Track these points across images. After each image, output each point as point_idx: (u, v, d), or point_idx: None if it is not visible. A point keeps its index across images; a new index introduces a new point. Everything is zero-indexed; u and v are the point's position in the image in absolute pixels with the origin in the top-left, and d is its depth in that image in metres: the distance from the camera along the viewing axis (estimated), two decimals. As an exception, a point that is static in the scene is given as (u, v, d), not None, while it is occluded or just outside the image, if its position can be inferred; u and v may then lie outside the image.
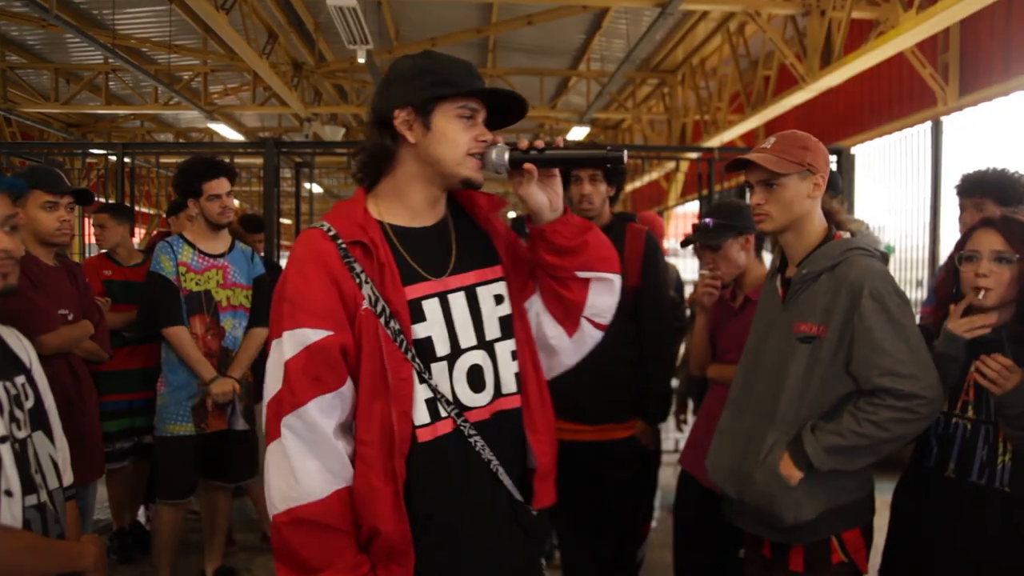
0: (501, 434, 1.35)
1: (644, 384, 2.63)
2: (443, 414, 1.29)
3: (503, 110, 1.39)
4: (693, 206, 10.70)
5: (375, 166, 1.37)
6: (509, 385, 1.38)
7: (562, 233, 1.37)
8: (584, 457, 2.67)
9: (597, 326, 1.49)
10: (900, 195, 6.51)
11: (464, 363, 1.33)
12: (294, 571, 1.24)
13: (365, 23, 5.53)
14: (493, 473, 1.33)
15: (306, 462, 1.22)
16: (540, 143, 1.34)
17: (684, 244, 2.60)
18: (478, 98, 1.34)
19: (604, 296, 1.46)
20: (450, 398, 1.30)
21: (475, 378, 1.34)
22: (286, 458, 1.22)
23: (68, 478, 1.55)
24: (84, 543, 1.49)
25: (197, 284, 2.96)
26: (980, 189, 2.53)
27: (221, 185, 2.98)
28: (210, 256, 3.02)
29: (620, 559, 2.82)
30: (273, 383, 1.25)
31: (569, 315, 1.45)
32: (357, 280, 1.27)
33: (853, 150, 6.95)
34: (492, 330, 1.37)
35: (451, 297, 1.35)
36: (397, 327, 1.26)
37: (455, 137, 1.31)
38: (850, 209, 6.87)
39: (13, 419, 1.39)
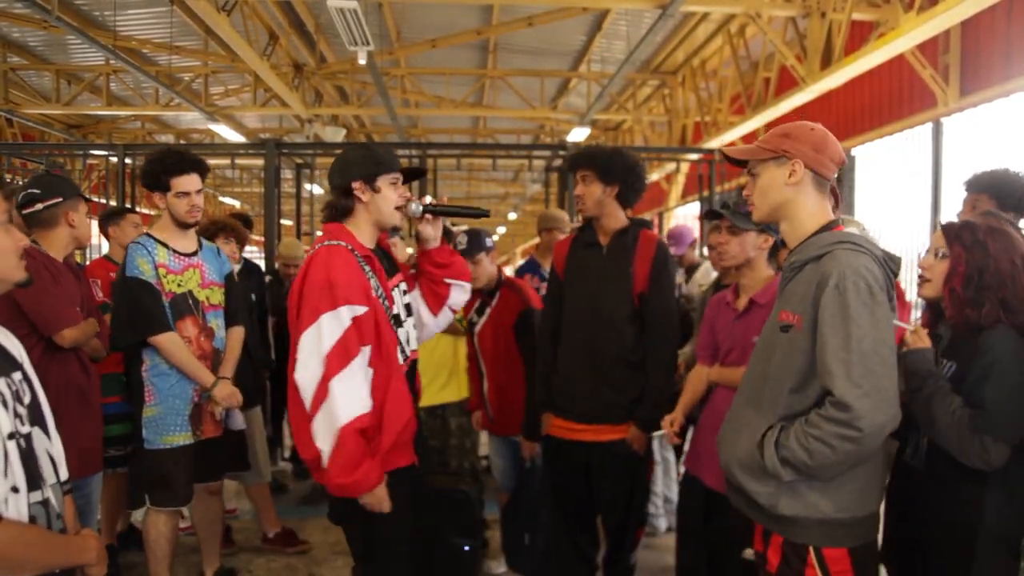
0: (414, 371, 2.25)
1: (641, 387, 2.63)
2: (402, 358, 2.12)
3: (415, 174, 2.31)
4: (694, 207, 10.71)
5: (339, 216, 2.12)
6: (413, 344, 2.24)
7: (439, 254, 2.28)
8: (576, 456, 2.70)
9: (453, 311, 2.38)
10: (901, 196, 6.51)
11: (406, 328, 2.19)
12: (347, 469, 1.91)
13: (366, 24, 5.53)
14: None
15: (362, 387, 1.96)
16: (434, 201, 2.24)
17: (708, 216, 2.55)
18: (399, 171, 2.13)
19: (460, 295, 2.36)
20: (406, 349, 2.16)
21: (408, 339, 2.20)
22: (354, 386, 1.93)
23: (64, 473, 1.55)
24: (85, 537, 1.50)
25: (179, 285, 2.78)
26: (977, 185, 2.55)
27: (191, 182, 2.75)
28: (185, 255, 2.82)
29: (612, 563, 2.82)
30: (327, 343, 1.91)
31: (439, 304, 2.33)
32: (368, 276, 2.03)
33: (854, 151, 6.98)
34: (405, 310, 2.22)
35: (395, 290, 2.19)
36: (387, 305, 2.09)
37: (389, 196, 2.10)
38: (850, 210, 6.89)
39: (16, 415, 1.39)
